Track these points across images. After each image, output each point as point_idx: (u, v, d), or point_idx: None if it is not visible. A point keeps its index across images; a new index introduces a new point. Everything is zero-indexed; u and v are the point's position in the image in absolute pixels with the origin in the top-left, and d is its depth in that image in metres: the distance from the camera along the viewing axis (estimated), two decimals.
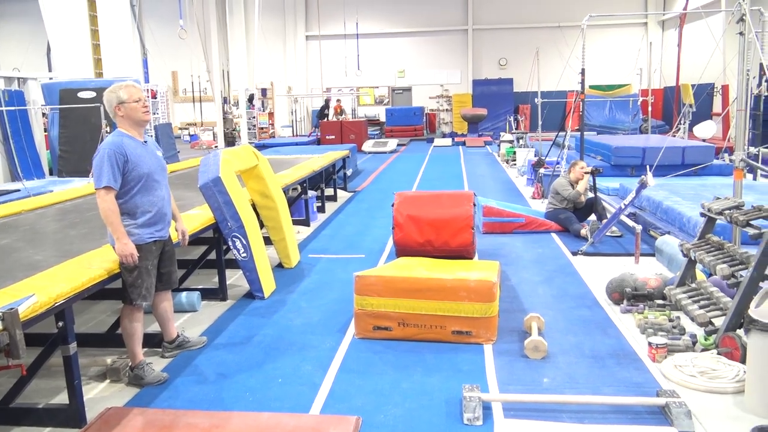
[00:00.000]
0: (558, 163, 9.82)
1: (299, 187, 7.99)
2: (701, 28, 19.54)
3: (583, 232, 6.84)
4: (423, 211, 6.05)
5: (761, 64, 10.45)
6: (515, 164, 13.98)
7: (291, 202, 7.51)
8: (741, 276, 3.81)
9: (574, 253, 6.34)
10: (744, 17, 4.58)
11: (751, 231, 3.78)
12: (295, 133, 25.77)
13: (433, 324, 4.13)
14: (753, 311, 3.12)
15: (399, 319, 4.19)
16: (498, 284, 4.36)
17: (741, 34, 4.64)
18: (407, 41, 27.31)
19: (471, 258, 6.02)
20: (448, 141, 22.53)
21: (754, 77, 10.06)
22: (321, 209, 9.17)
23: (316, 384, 3.62)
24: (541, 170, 10.26)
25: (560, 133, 10.50)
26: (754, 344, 3.12)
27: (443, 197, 6.58)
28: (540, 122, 14.71)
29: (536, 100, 14.11)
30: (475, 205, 6.16)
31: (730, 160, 4.69)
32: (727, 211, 4.20)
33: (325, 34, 26.43)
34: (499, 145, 17.57)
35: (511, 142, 16.80)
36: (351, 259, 6.47)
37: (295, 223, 7.31)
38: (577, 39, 9.71)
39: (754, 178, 9.66)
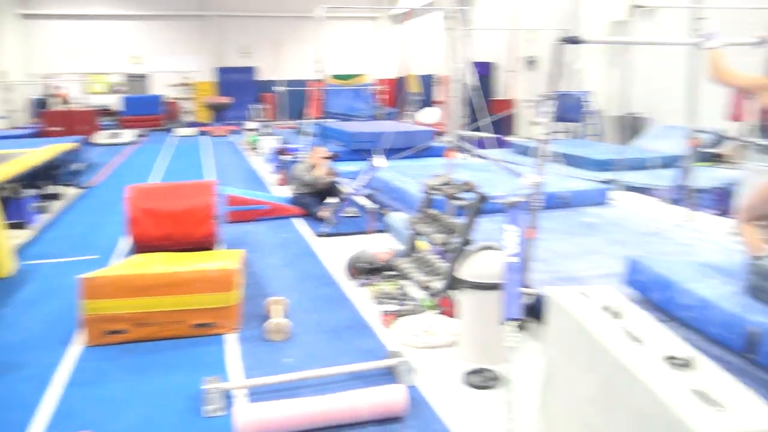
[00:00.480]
0: (300, 149, 10.08)
1: (11, 186, 7.02)
2: (423, 23, 21.57)
3: (324, 214, 7.13)
4: (160, 203, 5.76)
5: (469, 58, 11.90)
6: (260, 152, 14.01)
7: (2, 204, 6.56)
8: (453, 242, 4.32)
9: (317, 236, 6.58)
10: (449, 15, 5.15)
11: (459, 203, 4.30)
12: (11, 126, 22.52)
13: (172, 320, 3.97)
14: (461, 272, 3.56)
15: (135, 320, 3.94)
16: (240, 272, 4.34)
17: (448, 29, 5.22)
18: (142, 25, 25.50)
19: (215, 248, 5.91)
20: (191, 131, 21.69)
21: (465, 69, 11.38)
22: (43, 209, 8.18)
23: (32, 405, 3.23)
24: (285, 157, 10.43)
25: (302, 121, 10.81)
26: (462, 300, 3.57)
27: (183, 188, 6.34)
28: (283, 110, 14.93)
29: (279, 88, 14.28)
30: (217, 194, 6.04)
31: (445, 142, 5.26)
32: (440, 187, 4.72)
33: (45, 14, 23.46)
34: (243, 134, 17.44)
35: (255, 130, 16.79)
36: (81, 262, 5.89)
37: (10, 227, 6.41)
38: (314, 29, 10.04)
39: (468, 158, 10.97)
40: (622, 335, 2.23)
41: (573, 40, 3.75)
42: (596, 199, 6.94)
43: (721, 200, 7.93)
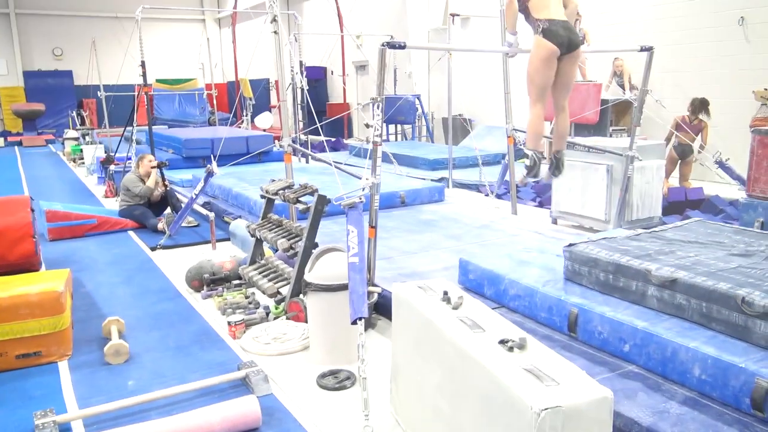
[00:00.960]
0: (128, 158, 9.48)
1: None
2: (253, 27, 21.24)
3: (160, 226, 6.79)
4: None
5: (301, 62, 11.97)
6: (83, 162, 12.97)
7: None
8: (298, 246, 4.33)
9: (153, 248, 6.25)
10: (276, 18, 5.14)
11: (300, 206, 4.33)
12: None
13: None
14: (307, 275, 3.59)
15: None
16: (67, 293, 4.00)
17: (275, 33, 5.20)
18: None
19: (37, 270, 5.40)
20: None
21: (297, 73, 11.43)
22: None
23: None
24: (112, 167, 9.76)
25: (129, 128, 10.18)
26: (311, 303, 3.60)
27: None
28: (106, 117, 13.93)
29: (99, 93, 13.31)
30: (33, 210, 5.52)
31: (280, 146, 5.24)
32: (280, 191, 4.71)
33: None
34: (63, 143, 16.04)
35: (76, 139, 15.50)
36: None
37: None
38: (134, 31, 9.48)
39: (307, 162, 11.04)
40: (460, 324, 2.39)
41: (395, 45, 3.92)
42: (433, 197, 7.31)
43: (539, 193, 8.75)
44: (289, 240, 4.38)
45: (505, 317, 3.09)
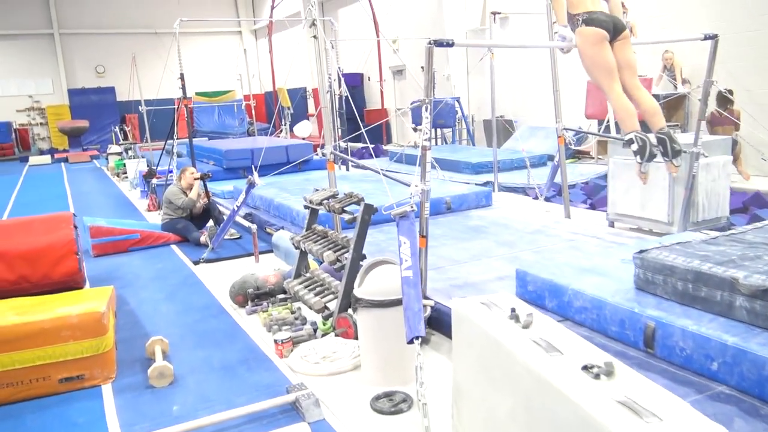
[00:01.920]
0: (170, 171, 9.46)
1: None
2: (289, 37, 21.31)
3: (202, 239, 6.69)
4: (9, 243, 5.09)
5: (339, 68, 11.83)
6: (126, 177, 13.09)
7: None
8: (345, 259, 4.13)
9: (196, 262, 6.14)
10: (315, 22, 4.97)
11: (346, 217, 4.12)
12: None
13: (33, 377, 3.45)
14: (357, 290, 3.38)
15: None
16: (110, 313, 3.88)
17: (315, 37, 5.03)
18: None
19: (81, 287, 5.33)
20: (46, 158, 19.98)
21: (334, 80, 11.29)
22: None
23: None
24: (154, 180, 9.77)
25: (170, 141, 10.21)
26: (361, 320, 3.38)
27: (35, 223, 5.66)
28: (148, 131, 14.07)
29: (141, 108, 13.44)
30: (76, 227, 5.46)
31: (322, 154, 5.06)
32: (325, 201, 4.52)
33: None
34: (107, 158, 16.28)
35: (119, 154, 15.71)
36: None
37: None
38: (172, 45, 9.48)
39: (347, 169, 10.87)
40: (534, 346, 2.13)
41: (443, 44, 3.69)
42: (480, 202, 7.03)
43: (589, 194, 8.38)
44: (335, 252, 4.18)
45: (572, 331, 2.83)
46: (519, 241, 5.48)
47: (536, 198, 8.20)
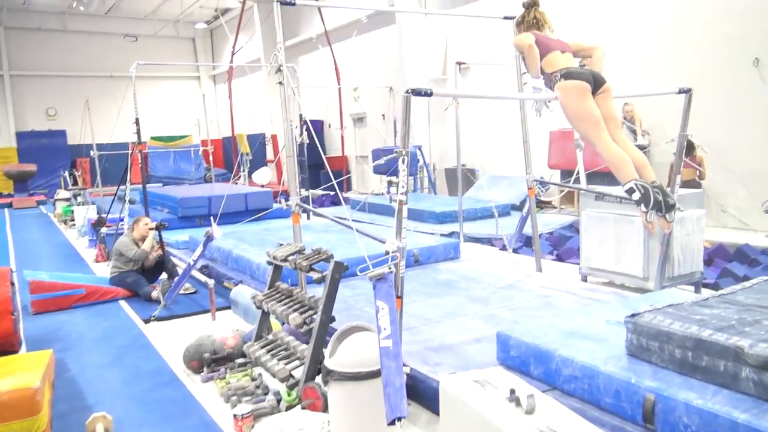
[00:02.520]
0: (121, 219, 8.98)
1: None
2: (249, 83, 21.15)
3: (154, 294, 6.23)
4: None
5: (300, 115, 11.64)
6: (74, 224, 12.45)
7: None
8: (312, 321, 3.80)
9: (147, 321, 5.69)
10: (281, 68, 4.75)
11: (314, 275, 3.81)
12: None
13: None
14: (328, 361, 3.05)
15: None
16: (46, 386, 3.44)
17: (280, 83, 4.80)
18: None
19: (17, 351, 4.84)
20: None
21: (296, 126, 11.07)
22: None
23: None
24: (104, 229, 9.25)
25: (122, 187, 9.75)
26: (333, 394, 3.05)
27: None
28: (99, 176, 13.52)
29: (92, 152, 12.93)
30: (13, 284, 4.99)
31: (287, 205, 4.77)
32: (291, 257, 4.20)
33: None
34: (54, 204, 15.57)
35: (68, 200, 15.03)
36: None
37: None
38: (128, 88, 9.14)
39: (308, 218, 10.55)
40: None
41: (421, 93, 3.49)
42: (448, 254, 6.81)
43: (555, 245, 8.26)
44: (302, 314, 3.85)
45: (560, 402, 2.56)
46: (492, 297, 5.23)
47: (503, 249, 8.04)
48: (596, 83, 3.95)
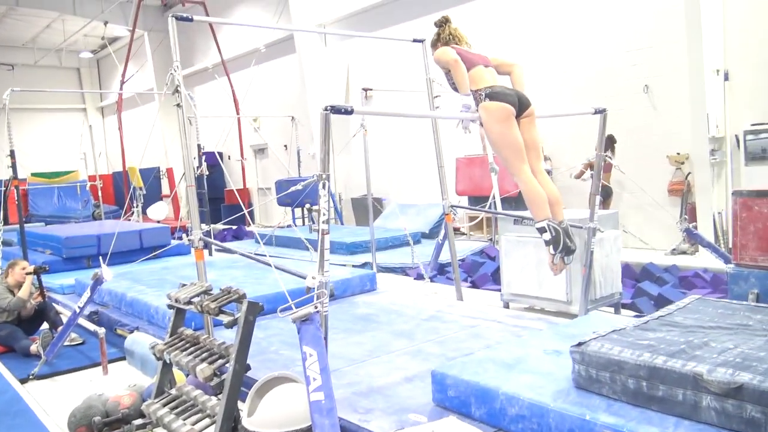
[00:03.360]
0: None
1: None
2: (141, 114, 20.08)
3: (33, 348, 5.43)
4: None
5: (199, 145, 11.03)
6: None
7: None
8: (226, 369, 3.32)
9: (24, 380, 4.90)
10: (179, 88, 4.29)
11: (225, 319, 3.34)
12: None
13: None
14: (247, 421, 2.60)
15: None
16: None
17: (178, 105, 4.33)
18: None
19: None
20: None
21: (194, 158, 10.45)
22: None
23: None
24: None
25: None
26: None
27: None
28: None
29: None
30: None
31: (189, 240, 4.27)
32: (196, 299, 3.71)
33: None
34: None
35: None
36: None
37: None
38: (2, 117, 8.24)
39: (210, 254, 9.91)
40: None
41: (341, 110, 3.18)
42: (365, 286, 6.46)
43: (468, 272, 8.14)
44: (211, 364, 3.35)
45: None
46: (416, 330, 4.93)
47: (418, 278, 7.82)
48: (521, 106, 3.80)
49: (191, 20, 4.47)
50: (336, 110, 3.09)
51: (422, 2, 11.45)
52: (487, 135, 3.83)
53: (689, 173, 8.74)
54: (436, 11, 10.13)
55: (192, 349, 3.65)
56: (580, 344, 2.95)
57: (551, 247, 3.70)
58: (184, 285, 4.01)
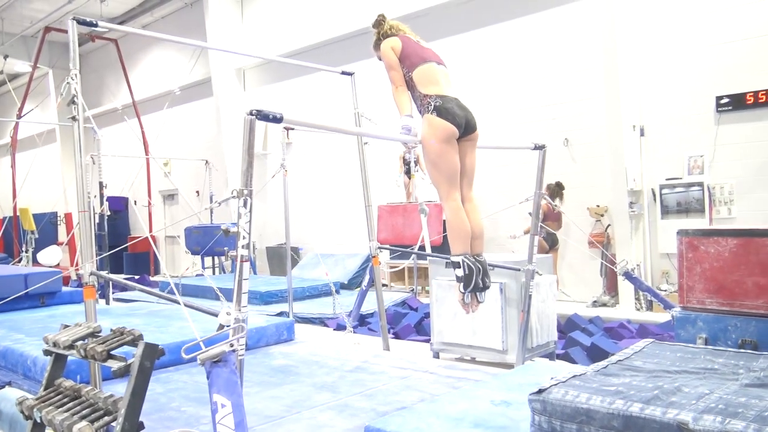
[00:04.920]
0: None
1: None
2: (36, 156, 18.65)
3: None
4: None
5: (101, 183, 10.17)
6: None
7: None
8: (113, 429, 2.68)
9: None
10: (75, 99, 3.70)
11: (115, 365, 2.72)
12: None
13: None
14: None
15: None
16: None
17: (74, 119, 3.73)
18: None
19: None
20: None
21: (95, 196, 9.59)
22: None
23: None
24: None
25: None
26: None
27: None
28: None
29: None
30: None
31: (78, 276, 3.62)
32: (79, 342, 3.05)
33: None
34: None
35: None
36: None
37: None
38: None
39: (107, 303, 8.97)
40: None
41: (269, 117, 2.73)
42: (281, 336, 5.86)
43: (390, 323, 7.70)
44: (93, 422, 2.70)
45: None
46: (341, 382, 4.40)
47: (338, 329, 7.31)
48: (467, 128, 3.50)
49: (96, 26, 3.93)
50: (263, 116, 2.64)
51: (350, 51, 11.30)
52: (424, 148, 3.51)
53: (608, 225, 8.81)
54: (359, 59, 10.06)
55: (71, 404, 2.96)
56: (540, 391, 2.56)
57: (461, 285, 3.42)
58: (66, 326, 3.33)
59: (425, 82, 3.50)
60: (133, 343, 2.84)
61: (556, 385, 2.61)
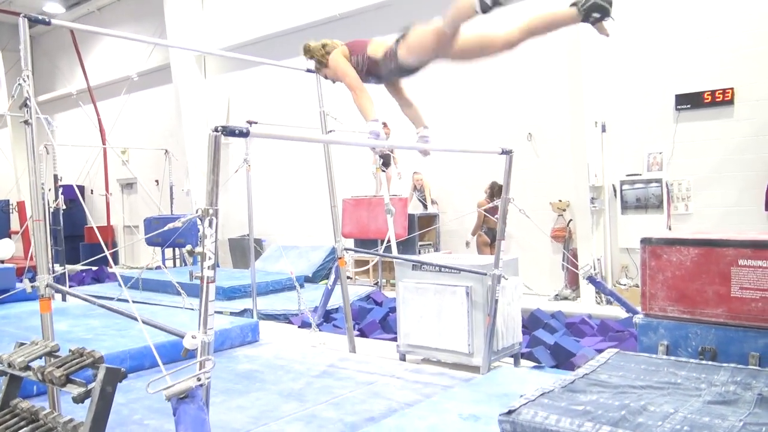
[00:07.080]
0: None
1: None
2: None
3: None
4: None
5: (56, 176, 9.84)
6: None
7: None
8: None
9: None
10: (28, 102, 3.54)
11: (74, 391, 2.62)
12: None
13: None
14: None
15: None
16: None
17: (27, 123, 3.57)
18: None
19: None
20: None
21: (50, 189, 9.28)
22: None
23: None
24: None
25: None
26: None
27: None
28: None
29: None
30: None
31: (33, 287, 3.48)
32: (36, 364, 2.94)
33: None
34: None
35: None
36: None
37: None
38: None
39: (64, 299, 8.72)
40: None
41: (235, 132, 2.65)
42: (246, 337, 5.79)
43: (355, 318, 7.67)
44: None
45: None
46: (307, 389, 4.36)
47: (302, 326, 7.25)
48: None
49: (49, 23, 3.76)
50: (229, 132, 2.56)
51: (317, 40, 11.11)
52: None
53: (570, 220, 8.93)
54: None
55: (28, 428, 2.86)
56: (509, 412, 2.57)
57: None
58: (22, 344, 3.20)
59: (375, 51, 3.50)
60: (94, 365, 2.74)
61: (525, 404, 2.62)
